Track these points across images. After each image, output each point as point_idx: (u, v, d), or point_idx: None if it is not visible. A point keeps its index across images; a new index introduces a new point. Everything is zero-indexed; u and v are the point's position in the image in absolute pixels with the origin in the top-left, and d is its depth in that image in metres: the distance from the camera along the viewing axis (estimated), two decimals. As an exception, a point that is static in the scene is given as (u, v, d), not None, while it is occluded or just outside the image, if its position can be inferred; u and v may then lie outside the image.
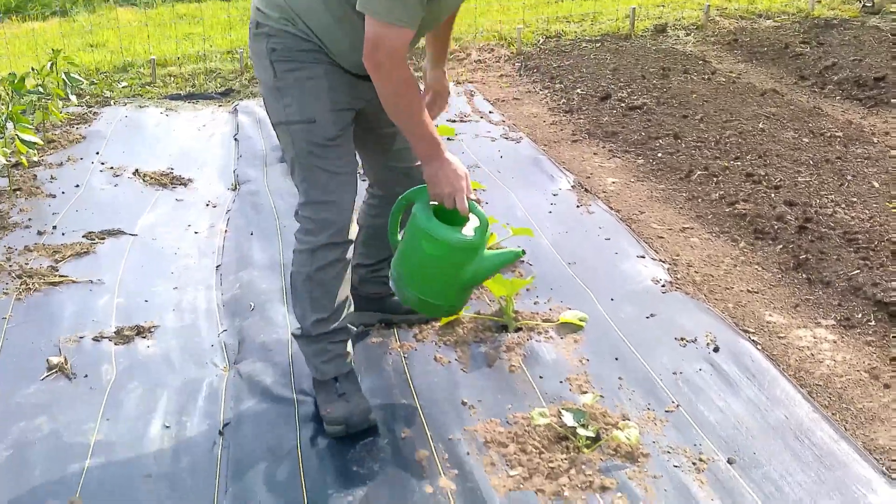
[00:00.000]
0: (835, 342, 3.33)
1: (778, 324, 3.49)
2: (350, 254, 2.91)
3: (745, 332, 3.41)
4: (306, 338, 2.94)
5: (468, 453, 2.75)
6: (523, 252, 2.80)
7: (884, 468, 2.61)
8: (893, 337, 3.31)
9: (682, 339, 3.36)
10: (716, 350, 3.27)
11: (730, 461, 2.67)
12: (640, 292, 3.77)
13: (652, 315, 3.55)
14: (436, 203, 2.73)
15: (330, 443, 2.82)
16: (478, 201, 2.78)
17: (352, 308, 2.99)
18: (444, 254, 2.67)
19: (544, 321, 3.52)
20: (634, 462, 2.69)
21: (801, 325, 3.47)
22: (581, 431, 2.75)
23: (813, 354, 3.25)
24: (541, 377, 3.10)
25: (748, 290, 3.77)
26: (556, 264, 4.06)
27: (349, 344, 2.99)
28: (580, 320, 3.50)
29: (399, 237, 2.86)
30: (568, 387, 3.08)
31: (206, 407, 3.07)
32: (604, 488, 2.58)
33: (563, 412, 2.81)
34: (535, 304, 3.69)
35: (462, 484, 2.62)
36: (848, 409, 2.92)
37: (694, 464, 2.67)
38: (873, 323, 3.42)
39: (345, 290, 2.92)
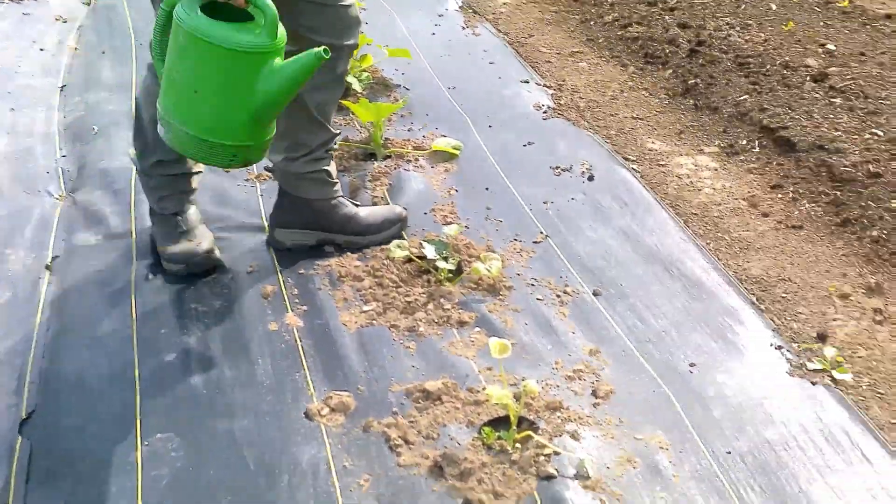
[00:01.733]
0: (716, 170, 3.18)
1: (660, 151, 3.31)
2: None
3: (626, 160, 3.23)
4: (143, 172, 2.64)
5: (320, 288, 2.55)
6: (327, 52, 2.03)
7: (753, 298, 2.50)
8: (777, 164, 3.16)
9: (557, 167, 3.17)
10: (591, 178, 3.09)
11: (595, 293, 2.53)
12: (520, 119, 3.54)
13: (529, 143, 3.34)
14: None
15: (168, 279, 2.58)
16: None
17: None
18: (220, 64, 2.02)
19: (415, 149, 3.28)
20: (496, 295, 2.52)
21: (683, 153, 3.30)
22: (441, 264, 2.56)
23: (692, 182, 3.10)
24: (405, 208, 2.87)
25: (633, 117, 3.58)
26: (435, 89, 3.79)
27: (195, 179, 2.70)
28: (454, 148, 3.27)
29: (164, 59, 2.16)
30: (433, 218, 2.87)
31: (34, 238, 2.77)
32: (461, 322, 2.41)
33: (425, 244, 2.61)
34: (408, 130, 3.44)
35: (310, 320, 2.43)
36: (723, 238, 2.79)
37: (558, 296, 2.52)
38: (757, 150, 3.27)
39: None
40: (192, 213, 2.69)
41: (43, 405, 2.14)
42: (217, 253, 2.62)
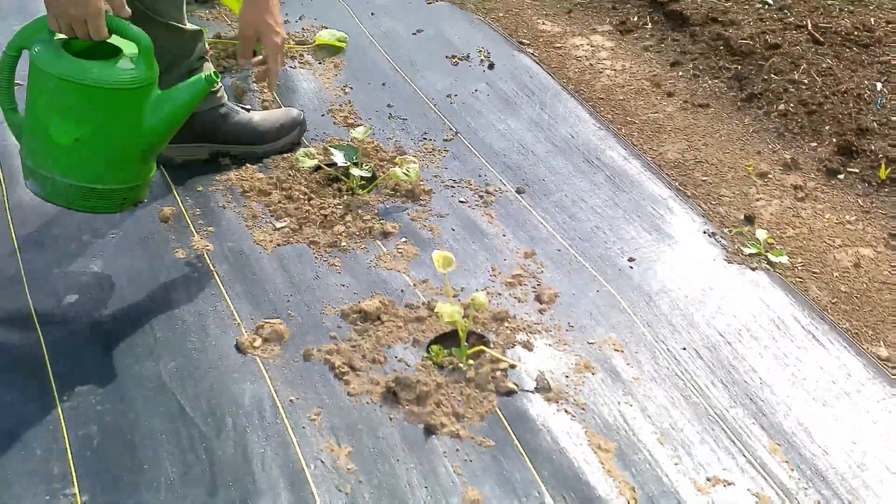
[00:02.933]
0: (612, 49, 3.10)
1: (553, 33, 3.20)
2: None
3: (521, 44, 3.10)
4: None
5: (223, 206, 2.34)
6: (217, 75, 1.90)
7: (676, 184, 2.46)
8: (672, 40, 3.10)
9: (453, 56, 3.01)
10: (491, 67, 2.95)
11: (518, 191, 2.43)
12: (402, 4, 3.33)
13: (419, 31, 3.15)
14: (65, 37, 1.84)
15: (48, 206, 2.30)
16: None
17: None
18: (102, 106, 1.82)
19: (298, 44, 3.04)
20: (416, 201, 2.38)
21: (576, 33, 3.20)
22: (354, 171, 2.39)
23: (592, 65, 3.01)
24: (300, 110, 2.66)
25: (518, -3, 3.43)
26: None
27: None
28: (339, 41, 3.04)
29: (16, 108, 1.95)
30: (332, 120, 2.68)
31: None
32: (385, 234, 2.27)
33: (332, 150, 2.43)
34: (285, 23, 3.17)
35: (220, 243, 2.23)
36: (633, 123, 2.73)
37: (481, 197, 2.41)
38: (650, 26, 3.20)
39: None
40: None
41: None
42: None
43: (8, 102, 1.93)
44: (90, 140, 1.85)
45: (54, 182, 1.89)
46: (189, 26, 2.37)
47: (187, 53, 2.35)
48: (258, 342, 1.96)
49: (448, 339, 1.98)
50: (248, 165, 2.47)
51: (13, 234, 2.23)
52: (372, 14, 3.25)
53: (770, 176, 2.49)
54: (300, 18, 3.20)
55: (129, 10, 1.86)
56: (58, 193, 1.92)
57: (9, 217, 2.28)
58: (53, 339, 1.95)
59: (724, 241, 2.26)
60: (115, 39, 1.86)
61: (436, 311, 1.90)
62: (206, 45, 2.44)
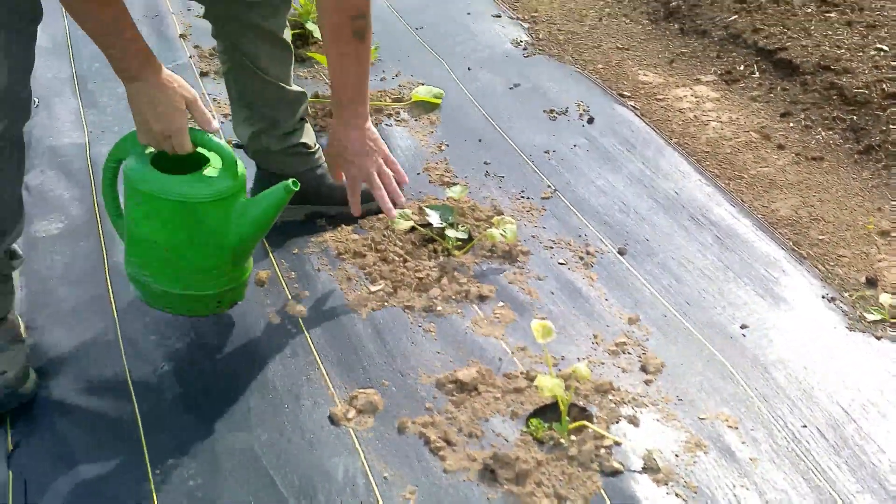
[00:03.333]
0: (718, 100, 2.98)
1: (654, 84, 3.10)
2: (10, 156, 1.84)
3: (621, 96, 3.01)
4: None
5: (319, 269, 2.30)
6: (296, 184, 1.89)
7: (790, 243, 2.33)
8: (781, 89, 2.97)
9: (551, 111, 2.94)
10: (590, 121, 2.87)
11: (621, 252, 2.33)
12: (499, 58, 3.28)
13: (516, 85, 3.09)
14: (153, 150, 1.90)
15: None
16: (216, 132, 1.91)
17: (19, 225, 1.97)
18: (189, 219, 1.86)
19: (394, 101, 3.02)
20: (514, 262, 2.31)
21: (679, 84, 3.09)
22: (450, 233, 2.33)
23: (696, 117, 2.90)
24: (396, 169, 2.62)
25: (617, 47, 3.35)
26: (401, 31, 3.51)
27: (10, 281, 2.02)
28: (435, 97, 3.01)
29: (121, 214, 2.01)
30: (428, 178, 2.63)
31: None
32: (482, 297, 2.20)
33: (427, 210, 2.37)
34: (381, 80, 3.17)
35: (315, 307, 2.19)
36: (742, 177, 2.60)
37: (581, 258, 2.31)
38: (757, 75, 3.08)
39: (2, 209, 1.90)
40: (6, 325, 1.99)
41: (31, 435, 1.88)
42: (29, 385, 1.93)
43: (114, 209, 2.02)
44: (179, 251, 1.91)
45: (151, 288, 1.96)
46: (293, 88, 2.37)
47: (289, 114, 2.36)
48: (352, 413, 1.90)
49: (548, 411, 1.88)
50: (344, 226, 2.43)
51: (112, 299, 2.23)
52: (469, 69, 3.21)
53: (893, 235, 2.33)
54: (397, 75, 3.18)
55: (217, 126, 1.91)
56: (156, 298, 1.99)
57: (108, 282, 2.29)
58: (148, 408, 1.93)
59: (844, 307, 2.11)
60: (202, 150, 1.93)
61: (535, 384, 1.81)
62: (308, 108, 2.44)
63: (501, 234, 2.28)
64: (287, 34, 2.35)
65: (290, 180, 1.91)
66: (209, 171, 1.89)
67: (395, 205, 2.20)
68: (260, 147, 2.39)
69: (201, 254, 1.92)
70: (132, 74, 1.80)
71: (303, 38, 3.26)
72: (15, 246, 2.07)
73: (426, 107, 2.99)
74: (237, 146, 2.69)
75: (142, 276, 1.96)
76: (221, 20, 2.26)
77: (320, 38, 3.29)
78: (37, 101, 3.10)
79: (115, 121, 3.00)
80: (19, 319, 2.12)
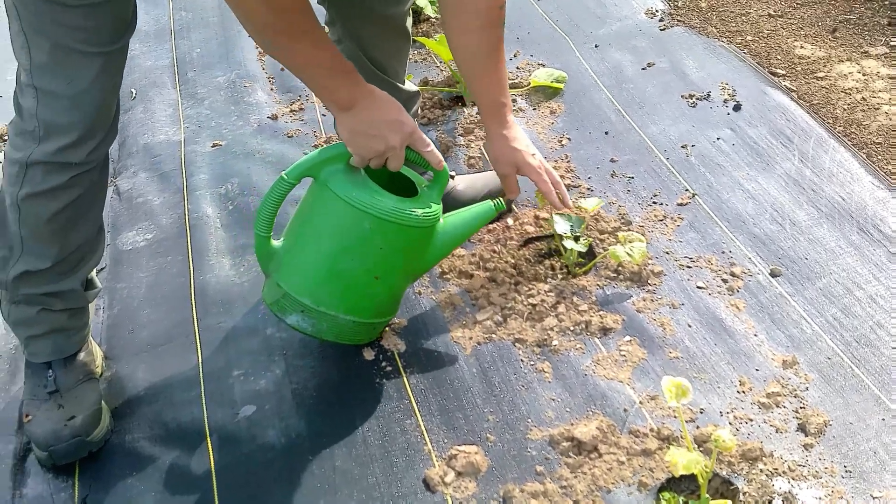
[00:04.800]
0: (891, 78, 2.53)
1: (813, 58, 2.66)
2: (97, 180, 1.75)
3: (773, 75, 2.59)
4: (5, 291, 1.80)
5: (419, 293, 2.04)
6: (500, 205, 1.83)
7: None
8: (970, 63, 2.50)
9: (690, 95, 2.55)
10: (737, 108, 2.47)
11: (773, 273, 1.96)
12: (631, 32, 2.91)
13: (649, 65, 2.72)
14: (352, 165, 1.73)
15: (229, 293, 2.10)
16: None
17: (98, 252, 1.86)
18: (409, 243, 1.75)
19: (511, 87, 2.69)
20: (643, 285, 1.98)
21: (843, 58, 2.65)
22: (570, 244, 2.01)
23: (865, 99, 2.46)
24: (510, 170, 2.31)
25: (770, 14, 2.92)
26: (522, 3, 3.16)
27: (84, 314, 1.89)
28: (557, 81, 2.67)
29: (273, 237, 1.77)
30: (547, 180, 2.31)
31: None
32: (605, 330, 1.89)
33: (556, 218, 2.04)
34: (497, 61, 2.84)
35: (414, 340, 1.93)
36: (922, 177, 2.18)
37: (724, 281, 1.96)
38: (939, 45, 2.60)
39: (81, 235, 1.77)
40: (78, 363, 1.84)
41: (99, 489, 1.71)
42: (100, 432, 1.76)
43: (267, 230, 1.74)
44: (388, 277, 1.77)
45: (335, 320, 1.75)
46: (408, 86, 2.14)
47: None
48: (450, 476, 1.63)
49: (684, 481, 1.57)
50: (450, 239, 2.15)
51: (196, 326, 2.04)
52: (596, 46, 2.85)
53: None
54: (514, 56, 2.86)
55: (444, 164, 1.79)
56: (334, 330, 1.77)
57: (193, 305, 2.09)
58: (224, 463, 1.72)
59: None
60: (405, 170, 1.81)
61: (667, 458, 1.49)
62: (419, 109, 2.19)
63: (627, 254, 1.95)
64: (409, 23, 2.08)
65: (497, 199, 1.84)
66: (422, 191, 1.78)
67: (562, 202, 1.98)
68: None
69: (405, 279, 1.83)
70: (346, 106, 1.66)
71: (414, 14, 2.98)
72: (93, 274, 1.90)
73: (547, 93, 2.66)
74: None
75: (325, 307, 1.73)
76: (337, 4, 2.00)
77: (435, 16, 3.00)
78: (133, 92, 2.95)
79: (214, 115, 2.81)
80: (97, 351, 1.94)
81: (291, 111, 2.76)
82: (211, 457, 1.73)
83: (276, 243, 1.77)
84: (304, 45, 1.58)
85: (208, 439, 1.77)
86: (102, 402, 1.82)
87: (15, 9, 1.55)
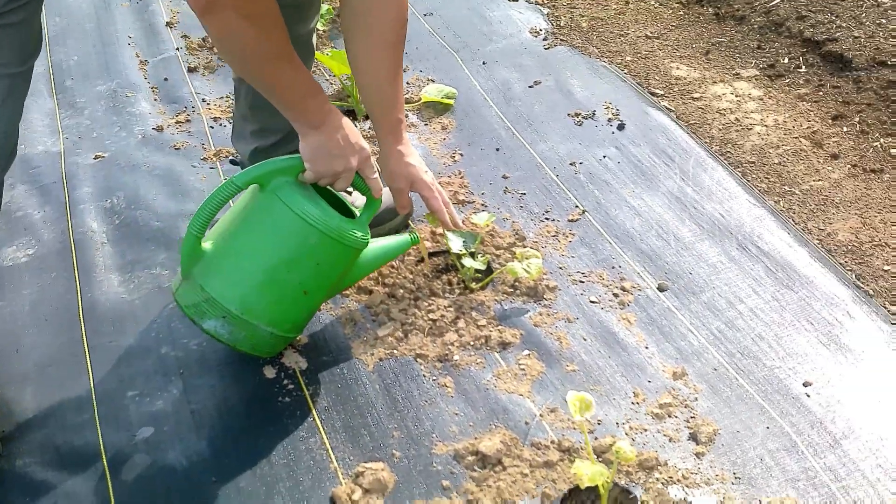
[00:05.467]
0: (761, 99, 2.68)
1: (689, 80, 2.80)
2: None
3: (653, 95, 2.71)
4: None
5: (320, 309, 2.03)
6: (417, 238, 1.97)
7: (853, 276, 2.04)
8: (832, 87, 2.67)
9: (576, 113, 2.64)
10: (620, 127, 2.57)
11: (660, 288, 2.05)
12: (517, 50, 2.98)
13: (536, 83, 2.79)
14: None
15: (122, 308, 2.05)
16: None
17: None
18: (343, 261, 1.81)
19: (401, 101, 2.72)
20: (539, 300, 2.04)
21: (717, 79, 2.79)
22: (467, 262, 2.05)
23: (738, 119, 2.60)
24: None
25: (647, 36, 3.04)
26: (411, 19, 3.18)
27: None
28: (447, 97, 2.72)
29: (205, 239, 1.75)
30: (441, 196, 2.34)
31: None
32: (504, 344, 1.93)
33: (449, 235, 2.07)
34: (386, 76, 2.86)
35: (315, 358, 1.93)
36: (793, 193, 2.32)
37: (615, 295, 2.04)
38: (804, 69, 2.77)
39: None
40: None
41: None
42: None
43: (202, 231, 1.71)
44: (314, 293, 1.80)
45: (255, 330, 1.74)
46: None
47: None
48: (357, 494, 1.64)
49: (587, 493, 1.62)
50: (347, 255, 2.16)
51: (86, 345, 1.98)
52: (483, 63, 2.91)
53: (971, 265, 2.06)
54: (405, 70, 2.88)
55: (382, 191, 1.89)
56: (247, 340, 1.76)
57: (82, 324, 2.03)
58: (122, 487, 1.68)
59: (923, 359, 1.84)
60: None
61: (573, 471, 1.54)
62: None
63: (525, 270, 2.00)
64: (314, 40, 2.08)
65: (413, 233, 1.96)
66: (360, 215, 1.86)
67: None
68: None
69: (324, 297, 1.86)
70: (316, 125, 1.72)
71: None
72: None
73: (437, 108, 2.70)
74: (232, 162, 2.43)
75: (249, 316, 1.72)
76: None
77: (320, 30, 3.00)
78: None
79: (95, 125, 2.73)
80: None
81: (177, 122, 2.71)
82: (109, 482, 1.69)
83: (205, 245, 1.73)
84: (286, 70, 1.65)
85: (105, 463, 1.73)
86: None
87: None
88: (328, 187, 1.83)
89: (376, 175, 1.84)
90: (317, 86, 1.73)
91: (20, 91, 1.62)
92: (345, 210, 1.87)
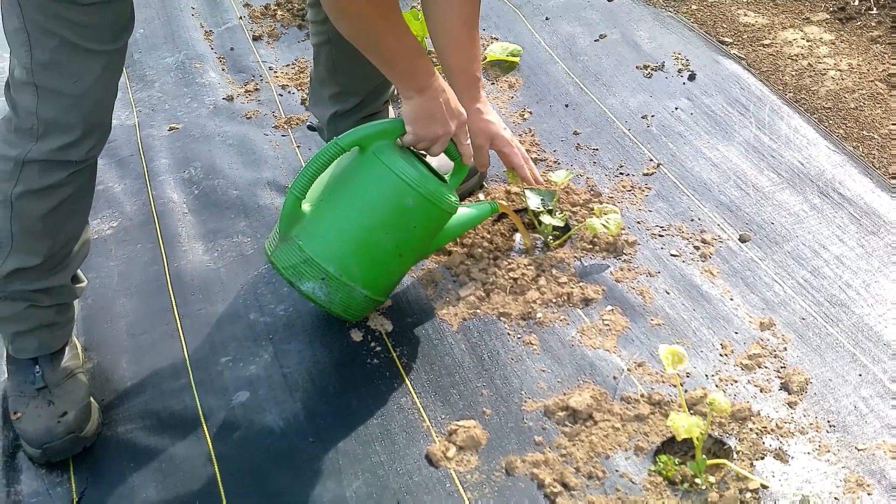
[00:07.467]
0: (833, 43, 2.63)
1: (758, 26, 2.75)
2: (90, 177, 1.75)
3: (722, 43, 2.67)
4: None
5: (400, 271, 2.06)
6: (496, 206, 1.99)
7: (940, 222, 2.01)
8: (907, 28, 2.61)
9: (645, 66, 2.61)
10: (691, 77, 2.54)
11: (742, 239, 2.04)
12: (580, 4, 2.95)
13: (601, 36, 2.77)
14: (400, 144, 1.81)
15: (206, 277, 2.09)
16: None
17: (85, 248, 1.82)
18: (437, 224, 1.85)
19: (466, 61, 2.71)
20: (619, 256, 2.04)
21: (787, 25, 2.74)
22: (546, 219, 2.06)
23: (811, 65, 2.55)
24: (477, 145, 2.34)
25: (712, -17, 2.99)
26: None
27: (70, 309, 1.85)
28: (512, 55, 2.70)
29: (305, 201, 1.76)
30: (514, 155, 2.35)
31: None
32: (586, 300, 1.94)
33: (529, 194, 2.08)
34: (449, 36, 2.85)
35: (399, 319, 1.95)
36: (871, 138, 2.28)
37: (696, 248, 2.03)
38: (875, 11, 2.71)
39: (71, 231, 1.75)
40: (64, 358, 1.82)
41: (96, 483, 1.70)
42: (92, 426, 1.75)
43: (304, 191, 1.73)
44: (408, 256, 1.84)
45: (351, 292, 1.77)
46: None
47: (378, 94, 2.17)
48: (452, 451, 1.67)
49: (679, 445, 1.63)
50: (423, 217, 2.17)
51: (176, 313, 2.03)
52: (546, 19, 2.89)
53: None
54: (467, 29, 2.87)
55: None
56: (342, 302, 1.79)
57: (171, 292, 2.08)
58: (223, 449, 1.73)
59: None
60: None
61: (668, 423, 1.55)
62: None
63: (604, 226, 2.00)
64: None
65: (493, 201, 2.01)
66: (449, 180, 1.90)
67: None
68: (339, 129, 2.13)
69: (414, 259, 1.89)
70: (422, 87, 1.75)
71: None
72: (79, 270, 1.87)
73: (503, 67, 2.69)
74: (310, 128, 2.44)
75: (348, 278, 1.75)
76: None
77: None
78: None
79: (166, 97, 2.77)
80: (78, 345, 1.92)
81: (246, 91, 2.74)
82: (210, 444, 1.74)
83: (304, 207, 1.76)
84: (394, 30, 1.68)
85: (204, 427, 1.77)
86: (90, 396, 1.81)
87: (18, 5, 1.51)
88: (419, 152, 1.84)
89: (468, 141, 1.86)
90: (422, 47, 1.75)
91: (115, 69, 1.65)
92: (434, 176, 1.88)
